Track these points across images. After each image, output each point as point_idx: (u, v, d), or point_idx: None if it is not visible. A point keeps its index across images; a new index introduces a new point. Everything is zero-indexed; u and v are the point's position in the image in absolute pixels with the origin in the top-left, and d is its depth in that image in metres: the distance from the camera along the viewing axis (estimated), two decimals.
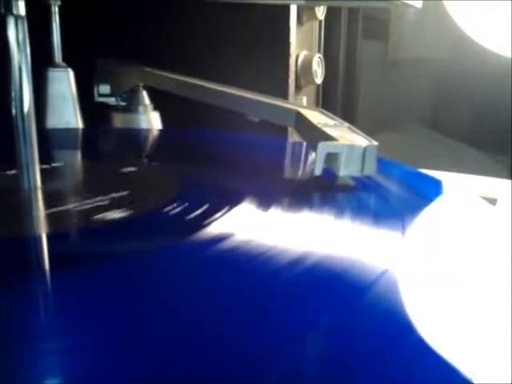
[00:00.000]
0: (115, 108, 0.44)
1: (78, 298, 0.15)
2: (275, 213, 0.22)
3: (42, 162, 0.24)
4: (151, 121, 0.43)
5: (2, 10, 0.22)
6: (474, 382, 0.11)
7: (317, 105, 0.54)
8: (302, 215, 0.22)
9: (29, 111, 0.23)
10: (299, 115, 0.30)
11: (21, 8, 0.22)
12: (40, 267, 0.17)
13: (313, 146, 0.26)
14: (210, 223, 0.20)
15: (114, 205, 0.22)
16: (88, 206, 0.22)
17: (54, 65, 0.41)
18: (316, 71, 0.48)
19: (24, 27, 0.22)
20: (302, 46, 0.48)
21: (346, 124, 0.29)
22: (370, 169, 0.25)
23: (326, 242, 0.19)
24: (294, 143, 0.39)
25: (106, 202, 0.22)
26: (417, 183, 0.29)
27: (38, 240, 0.19)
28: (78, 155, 0.36)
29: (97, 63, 0.45)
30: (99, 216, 0.20)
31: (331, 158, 0.25)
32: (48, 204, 0.22)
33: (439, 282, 0.17)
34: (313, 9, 0.48)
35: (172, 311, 0.14)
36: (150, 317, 0.14)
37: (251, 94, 0.35)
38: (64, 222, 0.21)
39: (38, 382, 0.11)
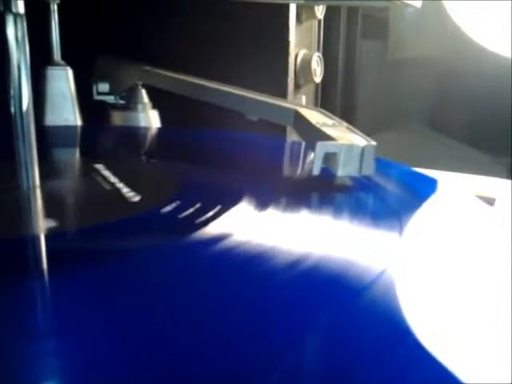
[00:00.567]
0: (114, 106, 0.44)
1: (69, 299, 0.15)
2: (273, 213, 0.22)
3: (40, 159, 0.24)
4: (150, 119, 0.43)
5: (1, 8, 0.22)
6: (474, 382, 0.11)
7: (316, 104, 0.54)
8: (299, 215, 0.22)
9: (28, 109, 0.23)
10: (298, 115, 0.30)
11: (20, 6, 0.22)
12: (34, 267, 0.17)
13: (311, 146, 0.26)
14: (207, 223, 0.20)
15: (112, 203, 0.22)
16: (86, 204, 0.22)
17: (53, 63, 0.41)
18: (315, 70, 0.48)
19: (23, 25, 0.22)
20: (301, 45, 0.48)
21: (345, 124, 0.29)
22: (369, 169, 0.25)
23: (323, 241, 0.19)
24: (293, 143, 0.39)
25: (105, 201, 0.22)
26: (414, 183, 0.29)
27: (36, 239, 0.19)
28: (76, 152, 0.36)
29: (96, 61, 0.45)
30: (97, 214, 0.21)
31: (329, 157, 0.25)
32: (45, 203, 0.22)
33: (438, 282, 0.17)
34: (312, 8, 0.48)
35: (168, 312, 0.14)
36: (147, 317, 0.14)
37: (250, 93, 0.35)
38: (61, 219, 0.21)
39: (38, 382, 0.11)
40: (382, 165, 0.27)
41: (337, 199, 0.25)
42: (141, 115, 0.43)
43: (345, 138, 0.26)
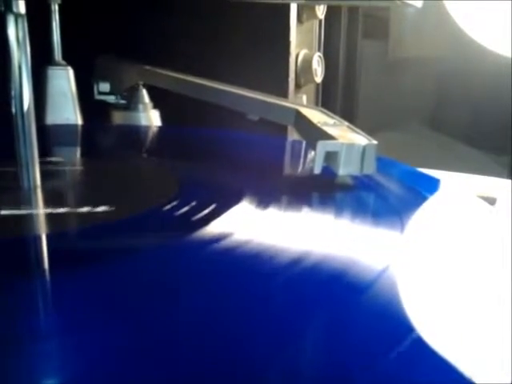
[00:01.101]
0: (115, 106, 0.44)
1: (70, 299, 0.15)
2: (274, 211, 0.22)
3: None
4: (151, 119, 0.43)
5: (2, 8, 0.22)
6: (474, 381, 0.11)
7: (316, 104, 0.54)
8: (301, 214, 0.22)
9: (29, 109, 0.23)
10: (299, 114, 0.30)
11: (21, 6, 0.22)
12: (35, 267, 0.17)
13: (312, 145, 0.26)
14: (207, 221, 0.20)
15: (112, 202, 0.22)
16: (86, 203, 0.22)
17: (53, 63, 0.41)
18: (316, 70, 0.48)
19: (24, 25, 0.22)
20: (302, 45, 0.48)
21: (346, 123, 0.29)
22: (370, 168, 0.25)
23: (325, 240, 0.19)
24: (294, 142, 0.39)
25: (105, 198, 0.22)
26: (415, 182, 0.29)
27: (38, 239, 0.19)
28: (77, 151, 0.36)
29: (96, 61, 0.45)
30: (97, 214, 0.21)
31: (330, 156, 0.25)
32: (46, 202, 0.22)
33: (439, 281, 0.17)
34: (313, 8, 0.48)
35: (169, 311, 0.14)
36: (146, 317, 0.14)
37: (251, 92, 0.35)
38: (61, 221, 0.21)
39: (39, 382, 0.11)
40: (383, 164, 0.27)
41: (338, 198, 0.25)
42: (142, 115, 0.43)
43: (346, 136, 0.26)
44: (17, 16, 0.22)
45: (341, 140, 0.25)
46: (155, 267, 0.17)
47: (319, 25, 0.52)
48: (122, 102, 0.44)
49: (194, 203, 0.22)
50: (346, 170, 0.25)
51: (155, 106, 0.44)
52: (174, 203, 0.22)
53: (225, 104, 0.35)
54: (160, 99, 0.44)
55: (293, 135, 0.42)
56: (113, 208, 0.21)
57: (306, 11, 0.48)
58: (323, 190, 0.26)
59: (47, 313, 0.14)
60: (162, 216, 0.21)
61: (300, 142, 0.36)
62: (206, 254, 0.18)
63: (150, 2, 0.47)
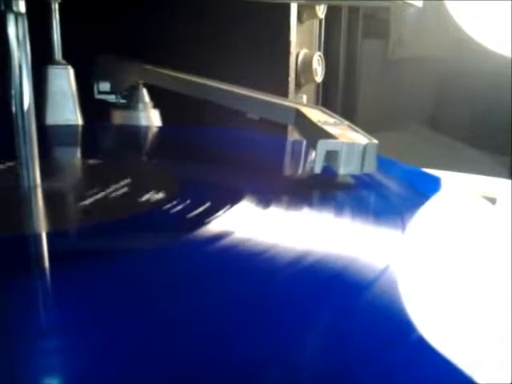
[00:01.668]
0: (115, 105, 0.44)
1: (72, 297, 0.15)
2: (275, 211, 0.22)
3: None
4: (151, 118, 0.43)
5: (2, 7, 0.22)
6: (474, 381, 0.11)
7: (317, 103, 0.54)
8: (301, 213, 0.22)
9: (29, 108, 0.23)
10: (299, 113, 0.30)
11: (21, 5, 0.22)
12: (38, 265, 0.17)
13: (313, 144, 0.26)
14: (208, 221, 0.20)
15: (113, 202, 0.22)
16: (87, 202, 0.22)
17: (54, 62, 0.41)
18: (316, 70, 0.48)
19: (24, 24, 0.22)
20: (303, 45, 0.48)
21: (346, 122, 0.29)
22: (370, 167, 0.25)
23: (325, 239, 0.19)
24: (294, 141, 0.39)
25: (104, 198, 0.22)
26: (416, 181, 0.29)
27: (38, 237, 0.19)
28: (78, 152, 0.36)
29: (97, 61, 0.45)
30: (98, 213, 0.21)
31: (331, 155, 0.25)
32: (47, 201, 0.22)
33: (439, 281, 0.17)
34: (313, 7, 0.48)
35: (170, 310, 0.14)
36: (147, 316, 0.14)
37: (251, 91, 0.35)
38: (64, 218, 0.21)
39: (39, 382, 0.11)
40: (383, 163, 0.27)
41: (339, 197, 0.25)
42: (142, 114, 0.43)
43: (346, 136, 0.26)
44: (17, 15, 0.22)
45: (341, 139, 0.25)
46: (152, 267, 0.17)
47: (319, 24, 0.52)
48: (122, 101, 0.44)
49: (192, 202, 0.22)
50: (346, 169, 0.25)
51: (155, 106, 0.44)
52: (172, 202, 0.22)
53: (225, 103, 0.35)
54: (160, 98, 0.44)
55: (293, 135, 0.42)
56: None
57: (306, 11, 0.48)
58: (324, 189, 0.26)
59: (43, 313, 0.14)
60: (160, 215, 0.21)
61: (300, 142, 0.36)
62: (205, 254, 0.18)
63: (150, 2, 0.47)
